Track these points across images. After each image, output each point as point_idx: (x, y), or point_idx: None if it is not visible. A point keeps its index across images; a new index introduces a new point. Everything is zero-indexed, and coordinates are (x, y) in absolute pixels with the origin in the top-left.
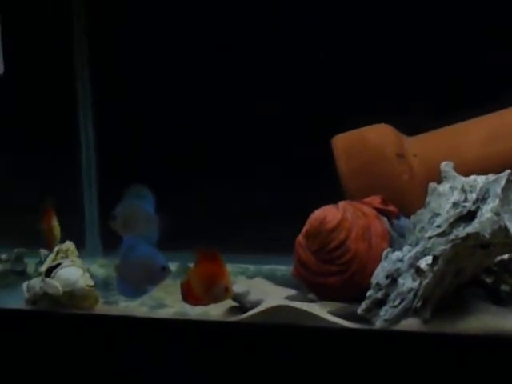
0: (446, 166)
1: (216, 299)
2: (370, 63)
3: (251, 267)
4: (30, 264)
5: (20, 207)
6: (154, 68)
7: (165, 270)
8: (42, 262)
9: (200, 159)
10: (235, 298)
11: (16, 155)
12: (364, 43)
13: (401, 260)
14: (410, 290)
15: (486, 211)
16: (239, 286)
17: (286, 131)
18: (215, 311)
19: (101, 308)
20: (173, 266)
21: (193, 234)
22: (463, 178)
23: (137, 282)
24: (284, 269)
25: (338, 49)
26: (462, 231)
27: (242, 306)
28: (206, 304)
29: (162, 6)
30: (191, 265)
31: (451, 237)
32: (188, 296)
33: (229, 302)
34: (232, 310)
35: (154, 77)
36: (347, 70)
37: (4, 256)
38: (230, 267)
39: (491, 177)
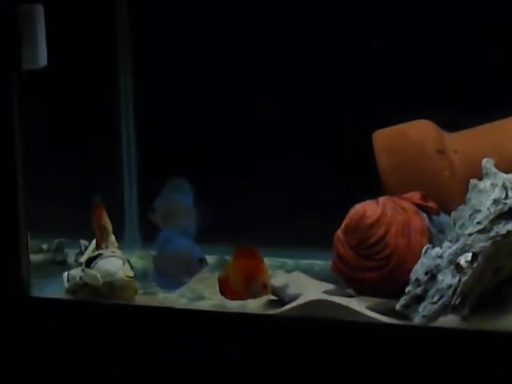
0: (487, 163)
1: (254, 295)
2: (413, 59)
3: (289, 261)
4: (71, 254)
5: (61, 198)
6: (194, 61)
7: (202, 262)
8: (81, 253)
9: (239, 153)
10: (274, 291)
11: (56, 147)
12: (409, 39)
13: (440, 256)
14: (450, 286)
15: None
16: (278, 279)
17: (325, 126)
18: (253, 304)
19: (140, 299)
20: (210, 259)
21: (231, 228)
22: (504, 175)
23: (173, 273)
24: (322, 263)
25: (387, 42)
26: (503, 228)
27: (280, 299)
28: (243, 299)
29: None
30: (228, 258)
31: (491, 234)
32: (226, 290)
33: (267, 296)
34: (270, 304)
35: (194, 69)
36: (387, 65)
37: (45, 246)
38: (268, 261)
39: None
